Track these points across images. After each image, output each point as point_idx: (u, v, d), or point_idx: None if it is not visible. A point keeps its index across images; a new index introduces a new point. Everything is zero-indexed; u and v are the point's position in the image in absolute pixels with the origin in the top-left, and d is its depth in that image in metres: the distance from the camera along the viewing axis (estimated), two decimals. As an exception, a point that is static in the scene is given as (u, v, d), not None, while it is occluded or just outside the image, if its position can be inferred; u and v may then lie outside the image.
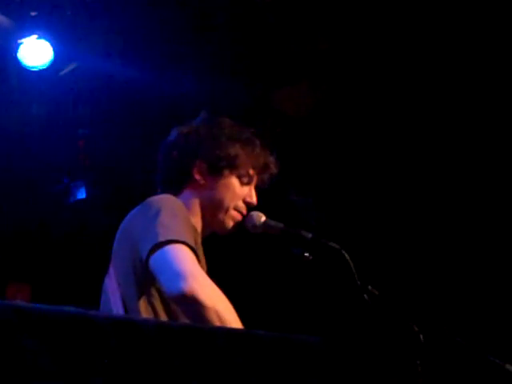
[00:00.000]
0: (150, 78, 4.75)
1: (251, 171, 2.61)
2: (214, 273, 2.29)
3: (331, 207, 5.49)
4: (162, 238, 2.21)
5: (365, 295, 2.28)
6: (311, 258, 2.40)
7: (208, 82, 4.79)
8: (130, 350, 1.34)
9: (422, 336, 2.14)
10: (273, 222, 2.53)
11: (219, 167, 2.57)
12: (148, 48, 4.69)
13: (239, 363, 1.41)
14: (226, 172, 2.57)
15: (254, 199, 2.62)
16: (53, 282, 5.91)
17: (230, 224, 2.58)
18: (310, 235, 2.42)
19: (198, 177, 2.57)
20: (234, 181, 2.59)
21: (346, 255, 2.30)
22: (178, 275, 2.13)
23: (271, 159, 2.67)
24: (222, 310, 2.11)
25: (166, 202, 2.42)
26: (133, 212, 2.47)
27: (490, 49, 4.46)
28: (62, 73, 4.74)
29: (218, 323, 2.08)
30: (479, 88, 4.71)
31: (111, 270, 2.44)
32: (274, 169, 2.68)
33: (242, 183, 2.60)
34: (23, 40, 4.45)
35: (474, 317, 4.97)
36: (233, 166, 2.58)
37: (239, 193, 2.59)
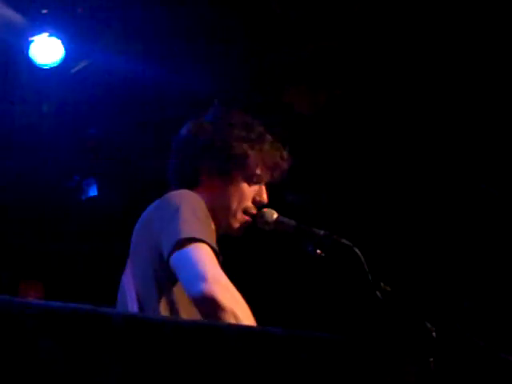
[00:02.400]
0: (161, 76, 4.75)
1: (260, 171, 2.59)
2: (226, 270, 2.28)
3: (341, 205, 5.48)
4: (184, 235, 2.21)
5: (377, 292, 2.28)
6: (323, 254, 2.39)
7: (221, 79, 4.78)
8: (145, 348, 1.34)
9: (434, 333, 2.13)
10: (285, 219, 2.53)
11: (228, 169, 2.55)
12: (160, 46, 4.69)
13: (254, 361, 1.41)
14: (235, 173, 2.56)
15: (264, 198, 2.61)
16: (65, 280, 5.92)
17: (238, 227, 2.58)
18: (322, 232, 2.41)
19: (206, 179, 2.56)
20: (243, 182, 2.57)
21: (358, 252, 2.30)
22: (198, 277, 2.12)
23: (282, 155, 2.65)
24: (240, 314, 2.11)
25: (186, 197, 2.41)
26: (152, 207, 2.46)
27: (496, 53, 4.45)
28: (73, 70, 4.74)
29: None
30: (485, 92, 4.70)
31: (128, 268, 2.44)
32: (284, 165, 2.65)
33: (252, 183, 2.59)
34: (34, 38, 4.46)
35: (487, 313, 4.95)
36: (242, 166, 2.56)
37: (248, 193, 2.57)
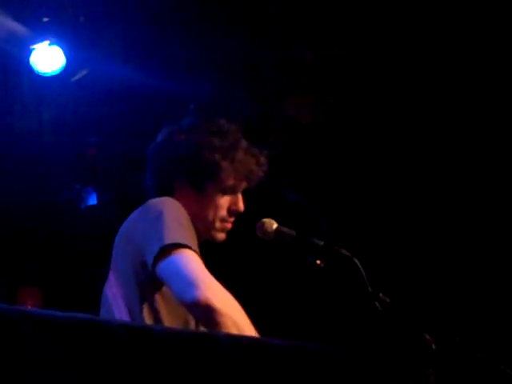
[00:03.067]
0: (162, 85, 4.75)
1: (234, 181, 2.57)
2: (225, 279, 2.28)
3: (343, 215, 5.48)
4: (167, 241, 2.20)
5: (376, 303, 2.27)
6: (323, 265, 2.39)
7: (222, 89, 4.79)
8: (144, 358, 1.34)
9: (433, 344, 2.13)
10: (285, 229, 2.52)
11: (200, 181, 2.53)
12: (160, 55, 4.70)
13: (253, 372, 1.41)
14: (208, 184, 2.54)
15: (240, 207, 2.59)
16: (64, 287, 5.92)
17: (220, 235, 2.58)
18: (322, 243, 2.41)
19: (179, 190, 2.55)
20: (217, 193, 2.55)
21: (358, 263, 2.29)
22: (190, 283, 2.12)
23: (257, 161, 2.62)
24: (236, 316, 2.12)
25: (168, 203, 2.40)
26: (132, 215, 2.46)
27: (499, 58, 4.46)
28: (73, 79, 4.75)
29: (233, 328, 2.08)
30: (488, 95, 4.70)
31: (111, 277, 2.43)
32: (260, 172, 2.63)
33: (225, 193, 2.56)
34: (35, 46, 4.46)
35: (487, 325, 4.95)
36: (214, 178, 2.53)
37: (223, 204, 2.56)
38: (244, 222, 2.62)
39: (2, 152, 5.10)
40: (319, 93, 4.99)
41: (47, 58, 4.51)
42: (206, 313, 2.10)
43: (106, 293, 2.45)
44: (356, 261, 2.30)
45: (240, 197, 2.61)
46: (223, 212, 2.56)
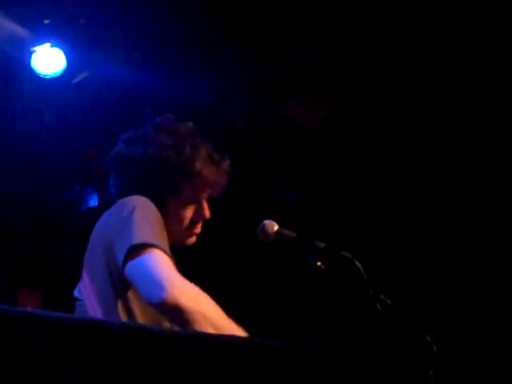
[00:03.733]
0: (162, 87, 4.75)
1: (194, 193, 2.54)
2: (226, 282, 2.28)
3: (343, 216, 5.48)
4: (136, 240, 2.19)
5: (377, 305, 2.27)
6: (323, 267, 2.39)
7: (222, 91, 4.79)
8: (144, 359, 1.34)
9: (434, 346, 2.12)
10: (285, 231, 2.52)
11: (160, 198, 2.47)
12: (161, 57, 4.70)
13: (253, 373, 1.41)
14: (169, 200, 2.51)
15: (205, 214, 2.57)
16: (64, 288, 5.91)
17: (190, 240, 2.58)
18: (322, 244, 2.41)
19: None
20: (179, 207, 2.53)
21: (359, 265, 2.29)
22: (156, 284, 2.11)
23: (218, 169, 2.58)
24: (207, 309, 2.12)
25: (139, 202, 2.39)
26: (106, 213, 2.46)
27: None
28: (74, 81, 4.75)
29: (204, 323, 2.08)
30: (487, 98, 4.71)
31: (84, 275, 2.43)
32: (223, 180, 2.60)
33: (188, 206, 2.55)
34: (36, 48, 4.47)
35: (487, 326, 4.94)
36: (174, 194, 2.51)
37: (187, 215, 2.54)
38: (245, 224, 2.62)
39: (3, 153, 5.10)
40: (320, 94, 4.99)
41: (48, 60, 4.52)
42: (175, 312, 2.10)
43: (79, 290, 2.46)
44: (357, 263, 2.30)
45: (205, 204, 2.58)
46: (187, 223, 2.54)
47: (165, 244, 2.26)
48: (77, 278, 2.53)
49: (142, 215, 2.30)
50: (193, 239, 2.59)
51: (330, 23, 4.50)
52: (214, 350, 1.41)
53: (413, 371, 1.93)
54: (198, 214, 2.56)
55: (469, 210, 5.13)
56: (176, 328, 2.15)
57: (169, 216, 2.49)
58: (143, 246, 2.19)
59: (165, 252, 2.21)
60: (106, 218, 2.45)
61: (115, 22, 4.53)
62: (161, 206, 2.44)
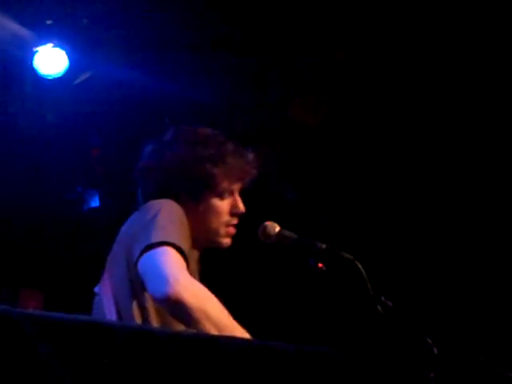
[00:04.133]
0: (164, 88, 4.75)
1: (229, 184, 2.58)
2: (228, 283, 2.28)
3: (344, 217, 5.48)
4: (154, 240, 2.22)
5: (378, 306, 2.27)
6: (325, 268, 2.39)
7: (225, 92, 4.79)
8: (144, 359, 1.34)
9: (435, 348, 2.12)
10: (287, 233, 2.53)
11: (197, 192, 2.54)
12: (163, 57, 4.71)
13: (254, 374, 1.41)
14: (205, 194, 2.55)
15: (240, 207, 2.61)
16: (66, 290, 5.91)
17: (225, 241, 2.59)
18: (324, 246, 2.41)
19: (179, 204, 2.51)
20: (215, 200, 2.56)
21: (360, 266, 2.29)
22: (161, 279, 2.13)
23: (247, 160, 2.63)
24: (210, 308, 2.12)
25: (165, 204, 2.42)
26: (133, 216, 2.49)
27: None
28: (76, 81, 4.75)
29: (206, 321, 2.09)
30: (488, 100, 4.71)
31: (105, 275, 2.44)
32: (252, 169, 2.65)
33: (224, 198, 2.58)
34: (39, 48, 4.47)
35: (488, 328, 4.94)
36: (209, 186, 2.55)
37: (225, 209, 2.57)
38: (246, 225, 2.63)
39: (4, 154, 5.10)
40: (322, 95, 5.00)
41: (50, 60, 4.52)
42: (177, 308, 2.11)
43: (99, 288, 2.46)
44: (358, 264, 2.30)
45: (238, 198, 2.63)
46: (225, 216, 2.57)
47: (184, 244, 2.27)
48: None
49: (166, 217, 2.33)
50: (228, 240, 2.59)
51: (332, 24, 4.50)
52: (214, 352, 1.41)
53: (414, 373, 1.93)
54: (234, 207, 2.59)
55: (470, 211, 5.13)
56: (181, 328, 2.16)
57: (207, 210, 2.54)
58: (159, 244, 2.21)
59: (178, 250, 2.22)
60: (132, 220, 2.48)
61: (117, 22, 4.53)
62: (199, 200, 2.52)
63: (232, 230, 2.59)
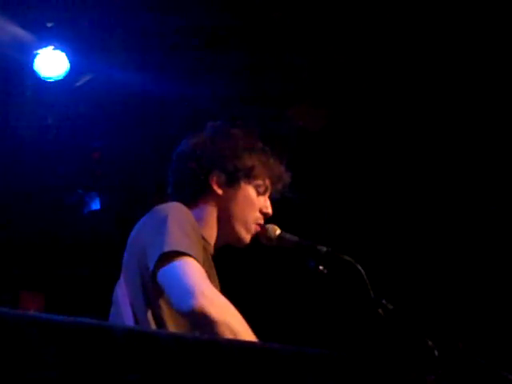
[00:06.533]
0: (165, 90, 4.76)
1: (267, 181, 2.61)
2: (228, 285, 2.28)
3: (345, 220, 5.48)
4: (168, 248, 2.20)
5: (379, 309, 2.27)
6: (325, 271, 2.39)
7: (224, 96, 4.80)
8: (146, 362, 1.34)
9: (436, 351, 2.12)
10: (288, 235, 2.53)
11: (237, 178, 2.56)
12: (164, 61, 4.71)
13: (255, 377, 1.41)
14: (244, 183, 2.57)
15: (269, 209, 2.62)
16: (66, 292, 5.92)
17: (248, 237, 2.58)
18: (324, 249, 2.41)
19: (216, 187, 2.56)
20: (251, 191, 2.58)
21: (361, 269, 2.29)
22: (187, 292, 2.11)
23: (284, 169, 2.67)
24: (234, 323, 2.11)
25: (172, 209, 2.40)
26: (141, 221, 2.46)
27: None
28: (77, 84, 4.75)
29: (230, 336, 2.07)
30: (488, 101, 4.71)
31: (122, 280, 2.44)
32: (287, 179, 2.68)
33: (259, 193, 2.60)
34: (39, 51, 4.47)
35: (488, 331, 4.94)
36: (250, 176, 2.58)
37: (257, 203, 2.59)
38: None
39: (5, 156, 5.11)
40: (322, 100, 5.00)
41: (51, 63, 4.52)
42: (202, 322, 2.09)
43: (116, 293, 2.45)
44: (359, 267, 2.30)
45: (269, 201, 2.64)
46: (257, 212, 2.58)
47: (197, 253, 2.26)
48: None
49: (176, 222, 2.31)
50: (249, 237, 2.58)
51: (331, 27, 4.51)
52: (216, 354, 1.41)
53: (414, 376, 1.93)
54: (264, 208, 2.61)
55: (470, 214, 5.13)
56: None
57: (242, 199, 2.56)
58: (175, 254, 2.19)
59: (197, 260, 2.21)
60: (140, 224, 2.45)
61: (118, 25, 4.53)
62: (237, 187, 2.55)
63: (257, 228, 2.58)
